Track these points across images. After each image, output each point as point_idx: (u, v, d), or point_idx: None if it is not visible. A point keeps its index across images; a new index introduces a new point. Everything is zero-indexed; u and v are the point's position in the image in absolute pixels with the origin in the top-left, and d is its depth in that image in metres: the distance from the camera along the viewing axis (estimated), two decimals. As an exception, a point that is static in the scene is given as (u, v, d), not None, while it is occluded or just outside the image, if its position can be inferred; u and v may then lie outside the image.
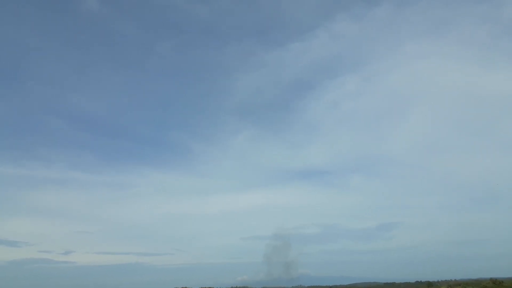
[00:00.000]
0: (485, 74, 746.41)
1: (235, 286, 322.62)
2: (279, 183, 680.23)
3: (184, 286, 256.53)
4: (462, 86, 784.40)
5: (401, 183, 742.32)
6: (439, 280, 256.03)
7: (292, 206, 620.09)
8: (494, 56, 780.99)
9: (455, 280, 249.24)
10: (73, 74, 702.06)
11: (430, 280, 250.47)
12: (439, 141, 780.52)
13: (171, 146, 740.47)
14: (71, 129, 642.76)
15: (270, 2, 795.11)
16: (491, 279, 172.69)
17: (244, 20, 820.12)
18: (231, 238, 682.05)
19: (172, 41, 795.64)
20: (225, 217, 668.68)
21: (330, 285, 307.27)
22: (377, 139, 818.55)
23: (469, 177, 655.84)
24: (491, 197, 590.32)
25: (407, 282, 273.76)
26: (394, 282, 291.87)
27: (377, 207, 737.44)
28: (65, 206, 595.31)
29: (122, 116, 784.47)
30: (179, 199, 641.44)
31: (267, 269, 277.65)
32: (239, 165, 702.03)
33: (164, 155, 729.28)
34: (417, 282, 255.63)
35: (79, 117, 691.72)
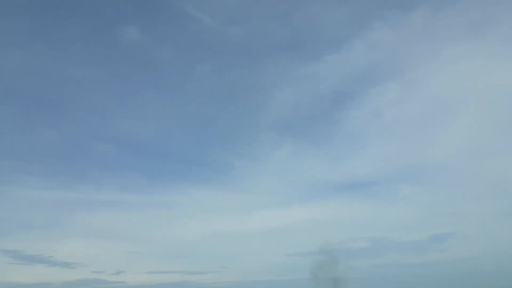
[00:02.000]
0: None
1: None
2: (322, 196, 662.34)
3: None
4: (508, 86, 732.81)
5: (451, 190, 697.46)
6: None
7: (337, 219, 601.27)
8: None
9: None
10: (118, 101, 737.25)
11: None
12: (487, 144, 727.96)
13: (213, 164, 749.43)
14: (119, 153, 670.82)
15: (303, 15, 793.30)
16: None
17: (277, 36, 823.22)
18: (276, 255, 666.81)
19: (209, 63, 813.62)
20: (269, 233, 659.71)
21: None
22: (423, 146, 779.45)
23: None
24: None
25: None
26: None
27: (428, 217, 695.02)
28: (115, 227, 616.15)
29: (166, 138, 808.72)
30: (223, 216, 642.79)
31: (313, 286, 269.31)
32: (280, 180, 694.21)
33: (206, 173, 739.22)
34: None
35: (126, 142, 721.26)
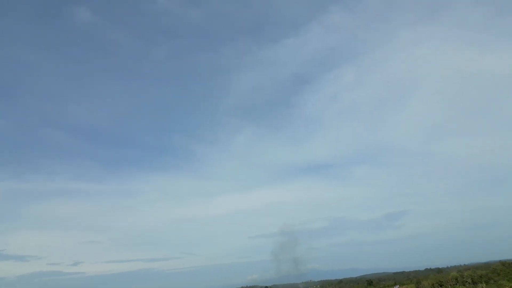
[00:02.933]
0: (482, 56, 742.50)
1: (245, 285, 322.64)
2: (283, 179, 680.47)
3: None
4: (460, 69, 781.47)
5: (405, 171, 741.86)
6: (449, 266, 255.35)
7: (298, 201, 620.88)
8: (489, 37, 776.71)
9: (464, 265, 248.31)
10: (71, 86, 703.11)
11: (440, 267, 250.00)
12: (440, 126, 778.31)
13: (173, 150, 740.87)
14: (72, 140, 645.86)
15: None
16: (500, 261, 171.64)
17: (236, 20, 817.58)
18: (239, 238, 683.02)
19: (166, 46, 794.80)
20: (232, 218, 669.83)
21: (340, 278, 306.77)
22: (379, 129, 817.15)
23: (473, 160, 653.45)
24: (496, 179, 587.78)
25: (416, 270, 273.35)
26: (404, 271, 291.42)
27: (383, 196, 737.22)
28: (71, 217, 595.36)
29: (122, 124, 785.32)
30: (184, 203, 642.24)
31: (276, 267, 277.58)
32: (242, 164, 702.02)
33: (166, 159, 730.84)
34: (427, 269, 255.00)
35: (80, 128, 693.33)
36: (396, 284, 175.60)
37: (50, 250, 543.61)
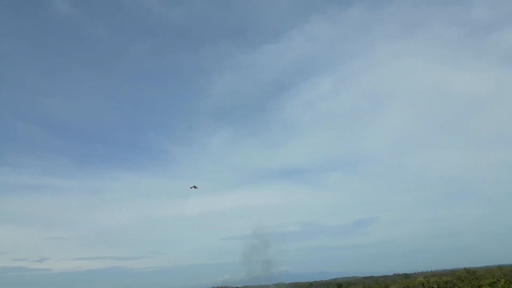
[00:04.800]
0: (454, 74, 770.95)
1: (216, 286, 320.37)
2: (257, 183, 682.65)
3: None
4: (433, 85, 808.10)
5: (377, 179, 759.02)
6: (416, 272, 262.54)
7: (270, 205, 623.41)
8: (462, 56, 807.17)
9: (431, 271, 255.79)
10: (44, 78, 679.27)
11: (408, 272, 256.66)
12: (412, 138, 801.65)
13: (147, 148, 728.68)
14: (42, 133, 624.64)
15: (244, 4, 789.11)
16: (465, 269, 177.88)
17: (218, 22, 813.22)
18: (210, 239, 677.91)
19: (146, 44, 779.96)
20: (204, 219, 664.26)
21: (311, 281, 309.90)
22: (353, 138, 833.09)
23: (441, 173, 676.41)
24: (462, 191, 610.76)
25: (385, 275, 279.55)
26: (373, 276, 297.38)
27: (354, 203, 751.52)
28: (38, 212, 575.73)
29: (95, 120, 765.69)
30: (156, 202, 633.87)
31: (247, 268, 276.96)
32: (216, 166, 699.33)
33: (139, 158, 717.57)
34: (394, 274, 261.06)
35: (50, 122, 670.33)
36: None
37: (15, 245, 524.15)
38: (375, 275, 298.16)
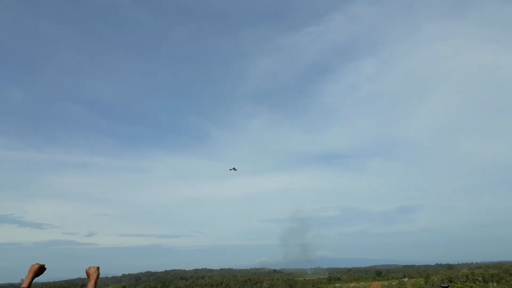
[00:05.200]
0: (506, 55, 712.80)
1: (254, 267, 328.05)
2: (297, 166, 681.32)
3: (204, 267, 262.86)
4: (482, 68, 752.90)
5: (422, 165, 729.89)
6: (460, 263, 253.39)
7: (310, 189, 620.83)
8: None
9: (476, 263, 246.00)
10: (91, 61, 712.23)
11: (451, 263, 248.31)
12: (460, 123, 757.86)
13: (188, 131, 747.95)
14: (90, 115, 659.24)
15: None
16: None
17: (258, 5, 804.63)
18: (249, 221, 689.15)
19: (187, 27, 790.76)
20: (244, 201, 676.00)
21: (349, 267, 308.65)
22: (397, 122, 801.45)
23: (490, 159, 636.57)
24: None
25: (427, 265, 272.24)
26: (414, 265, 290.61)
27: (398, 190, 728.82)
28: (87, 189, 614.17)
29: (139, 102, 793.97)
30: (197, 183, 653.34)
31: (284, 251, 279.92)
32: (255, 149, 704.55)
33: (181, 139, 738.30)
34: (437, 264, 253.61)
35: (98, 103, 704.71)
36: (405, 277, 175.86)
37: (65, 220, 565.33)
38: (416, 264, 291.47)
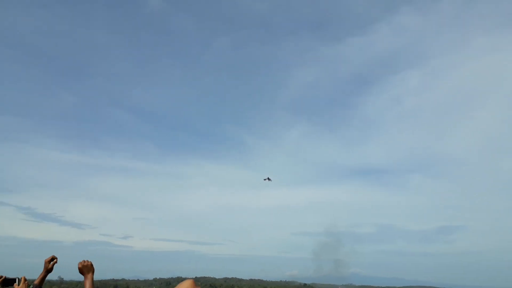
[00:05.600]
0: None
1: (284, 280, 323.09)
2: (333, 180, 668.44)
3: (234, 276, 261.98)
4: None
5: (465, 184, 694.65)
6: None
7: (345, 204, 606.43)
8: None
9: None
10: (135, 69, 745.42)
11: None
12: (508, 141, 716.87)
13: (225, 139, 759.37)
14: (133, 120, 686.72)
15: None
16: None
17: (301, 14, 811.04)
18: (281, 232, 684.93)
19: (229, 36, 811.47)
20: (277, 212, 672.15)
21: (382, 286, 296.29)
22: (440, 138, 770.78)
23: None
24: None
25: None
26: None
27: (438, 208, 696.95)
28: (125, 193, 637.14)
29: (181, 109, 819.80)
30: (232, 191, 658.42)
31: (316, 265, 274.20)
32: (291, 160, 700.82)
33: (219, 147, 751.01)
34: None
35: (140, 110, 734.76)
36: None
37: (103, 221, 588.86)
38: (454, 287, 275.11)
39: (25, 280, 4.37)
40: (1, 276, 4.41)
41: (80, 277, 4.34)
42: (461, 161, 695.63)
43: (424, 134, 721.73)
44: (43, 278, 4.53)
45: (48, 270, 4.58)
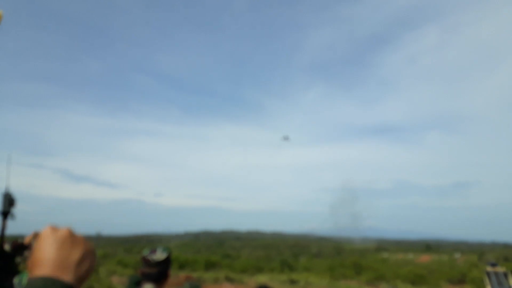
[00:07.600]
0: None
1: (303, 233, 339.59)
2: (351, 138, 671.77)
3: (257, 230, 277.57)
4: None
5: (481, 141, 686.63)
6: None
7: (363, 161, 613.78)
8: None
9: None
10: (157, 35, 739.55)
11: (508, 242, 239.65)
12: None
13: (245, 101, 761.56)
14: (158, 85, 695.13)
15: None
16: None
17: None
18: (301, 188, 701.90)
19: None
20: (297, 169, 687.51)
21: (397, 238, 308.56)
22: (458, 95, 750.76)
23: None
24: None
25: (481, 242, 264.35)
26: (467, 241, 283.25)
27: (454, 165, 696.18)
28: (154, 154, 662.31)
29: (202, 74, 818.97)
30: (254, 151, 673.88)
31: (334, 219, 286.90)
32: (310, 120, 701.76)
33: (238, 109, 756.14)
34: (493, 243, 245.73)
35: (164, 75, 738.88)
36: (457, 253, 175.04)
37: (135, 181, 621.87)
38: (470, 241, 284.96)
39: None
40: (16, 240, 2.01)
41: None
42: (480, 118, 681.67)
43: (442, 91, 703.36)
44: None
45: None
